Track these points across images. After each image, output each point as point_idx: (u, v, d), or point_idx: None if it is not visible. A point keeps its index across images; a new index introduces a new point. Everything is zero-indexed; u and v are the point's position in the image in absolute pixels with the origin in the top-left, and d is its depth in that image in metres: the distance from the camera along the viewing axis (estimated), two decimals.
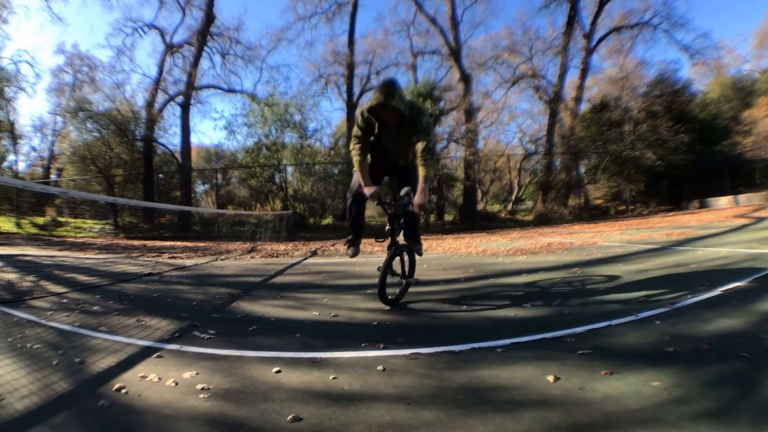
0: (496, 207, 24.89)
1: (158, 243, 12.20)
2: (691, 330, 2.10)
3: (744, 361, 1.66)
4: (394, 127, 2.94)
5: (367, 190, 2.91)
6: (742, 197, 16.51)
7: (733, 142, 21.56)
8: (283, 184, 18.01)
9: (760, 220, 8.80)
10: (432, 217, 18.80)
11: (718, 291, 2.85)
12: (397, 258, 3.02)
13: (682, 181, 19.67)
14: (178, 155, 20.41)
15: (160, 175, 21.27)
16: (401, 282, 3.09)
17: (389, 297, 2.90)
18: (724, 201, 17.05)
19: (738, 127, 22.28)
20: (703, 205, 17.82)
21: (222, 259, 7.22)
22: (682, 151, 18.59)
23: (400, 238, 3.15)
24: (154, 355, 2.04)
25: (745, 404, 1.33)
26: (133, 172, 19.82)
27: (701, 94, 24.11)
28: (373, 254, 7.32)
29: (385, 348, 2.07)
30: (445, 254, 6.84)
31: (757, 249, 3.60)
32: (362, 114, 2.96)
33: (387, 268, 2.83)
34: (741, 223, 8.44)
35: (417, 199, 2.80)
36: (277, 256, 7.59)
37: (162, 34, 20.58)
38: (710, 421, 1.23)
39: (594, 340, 2.03)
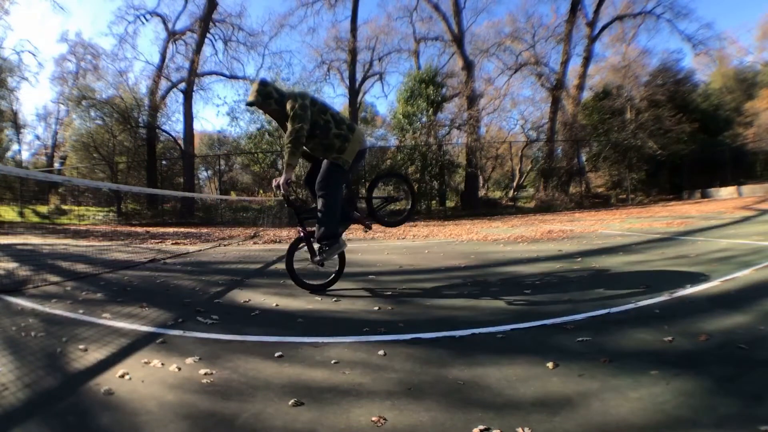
0: (498, 194, 24.80)
1: (161, 229, 12.23)
2: (690, 320, 2.11)
3: (742, 352, 1.67)
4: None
5: None
6: (745, 188, 16.36)
7: (734, 133, 21.37)
8: None
9: (764, 212, 8.75)
10: (434, 203, 18.78)
11: (717, 282, 2.85)
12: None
13: (684, 171, 19.55)
14: (180, 142, 20.30)
15: (163, 162, 21.17)
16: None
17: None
18: (725, 192, 16.95)
19: (740, 119, 22.09)
20: (704, 196, 17.72)
21: (224, 245, 7.24)
22: (684, 141, 18.43)
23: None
24: (157, 341, 2.06)
25: (742, 396, 1.34)
26: (136, 159, 19.75)
27: (704, 85, 23.73)
28: (376, 240, 7.33)
29: (386, 333, 2.09)
30: (446, 240, 6.84)
31: (757, 241, 3.59)
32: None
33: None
34: (743, 215, 8.41)
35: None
36: (279, 242, 7.60)
37: (164, 21, 20.26)
38: (707, 410, 1.25)
39: (594, 328, 2.05)
